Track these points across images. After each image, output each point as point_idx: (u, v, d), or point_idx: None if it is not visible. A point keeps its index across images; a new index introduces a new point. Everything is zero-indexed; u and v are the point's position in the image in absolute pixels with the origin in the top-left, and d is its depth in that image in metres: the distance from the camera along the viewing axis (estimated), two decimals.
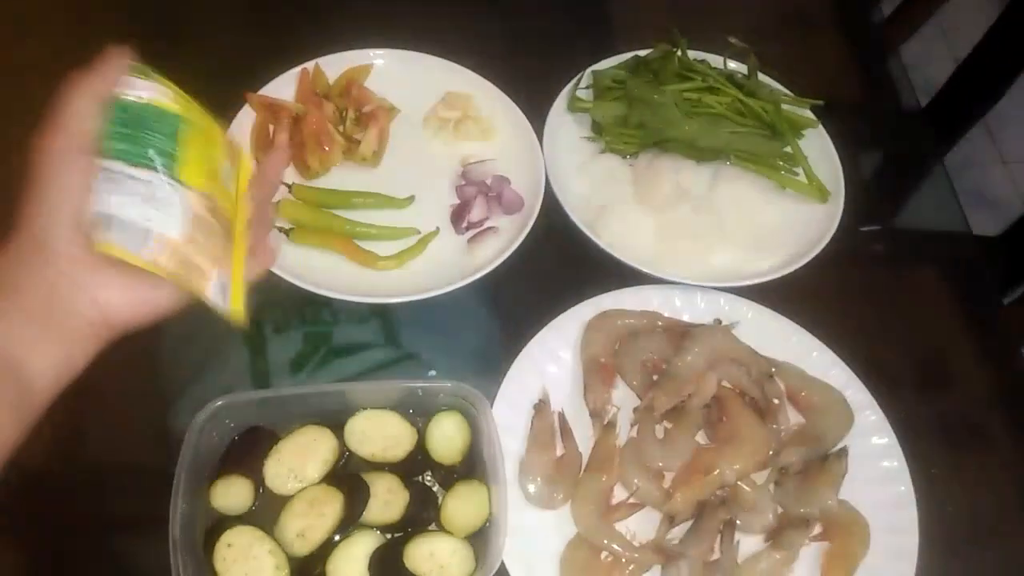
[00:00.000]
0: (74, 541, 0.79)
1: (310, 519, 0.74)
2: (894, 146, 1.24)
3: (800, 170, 1.08)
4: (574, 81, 1.11)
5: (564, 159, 1.07)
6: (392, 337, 0.93)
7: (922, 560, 0.80)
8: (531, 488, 0.82)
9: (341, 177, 1.03)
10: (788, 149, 1.08)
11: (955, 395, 0.98)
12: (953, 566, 0.84)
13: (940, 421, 0.94)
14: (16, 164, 0.52)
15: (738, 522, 0.81)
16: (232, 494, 0.76)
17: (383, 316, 0.94)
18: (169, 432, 0.82)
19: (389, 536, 0.77)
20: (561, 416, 0.87)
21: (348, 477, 0.78)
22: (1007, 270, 1.69)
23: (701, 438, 0.87)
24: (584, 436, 0.87)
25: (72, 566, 0.78)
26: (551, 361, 0.90)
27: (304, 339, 0.92)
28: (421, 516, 0.78)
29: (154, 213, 0.54)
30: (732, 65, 1.15)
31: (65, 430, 0.84)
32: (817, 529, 0.82)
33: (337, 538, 0.75)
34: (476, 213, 1.01)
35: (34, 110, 0.53)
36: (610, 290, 0.95)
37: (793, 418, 0.89)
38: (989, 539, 0.88)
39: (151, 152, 0.55)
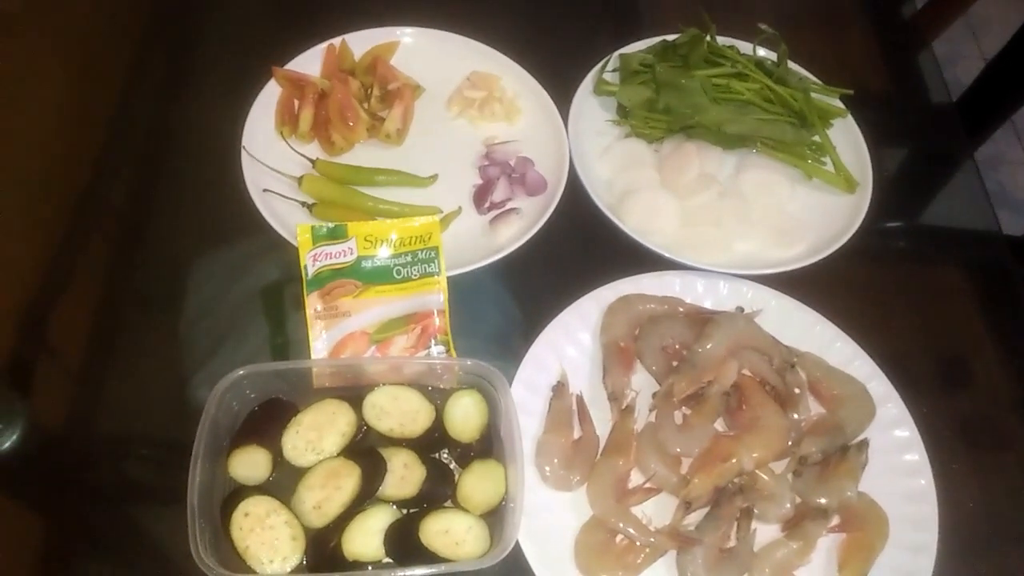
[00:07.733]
0: (94, 506, 0.79)
1: (327, 491, 0.74)
2: (925, 141, 1.22)
3: (828, 160, 1.07)
4: (601, 64, 1.10)
5: (589, 142, 1.07)
6: None
7: (940, 555, 0.79)
8: (547, 469, 0.81)
9: (365, 154, 1.03)
10: (816, 138, 1.07)
11: (978, 393, 0.97)
12: (971, 562, 0.83)
13: (962, 418, 0.93)
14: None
15: (755, 510, 0.80)
16: (250, 464, 0.76)
17: None
18: (190, 401, 0.83)
19: (405, 511, 0.77)
20: (579, 399, 0.87)
21: (365, 451, 0.78)
22: None
23: (720, 425, 0.86)
24: (602, 420, 0.86)
25: (91, 531, 0.78)
26: (570, 344, 0.90)
27: None
28: (437, 492, 0.78)
29: None
30: (761, 52, 1.14)
31: (87, 397, 0.85)
32: (835, 520, 0.81)
33: (353, 511, 0.75)
34: (499, 194, 1.00)
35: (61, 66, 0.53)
36: (632, 275, 0.94)
37: (814, 408, 0.88)
38: (1008, 538, 0.86)
39: None
